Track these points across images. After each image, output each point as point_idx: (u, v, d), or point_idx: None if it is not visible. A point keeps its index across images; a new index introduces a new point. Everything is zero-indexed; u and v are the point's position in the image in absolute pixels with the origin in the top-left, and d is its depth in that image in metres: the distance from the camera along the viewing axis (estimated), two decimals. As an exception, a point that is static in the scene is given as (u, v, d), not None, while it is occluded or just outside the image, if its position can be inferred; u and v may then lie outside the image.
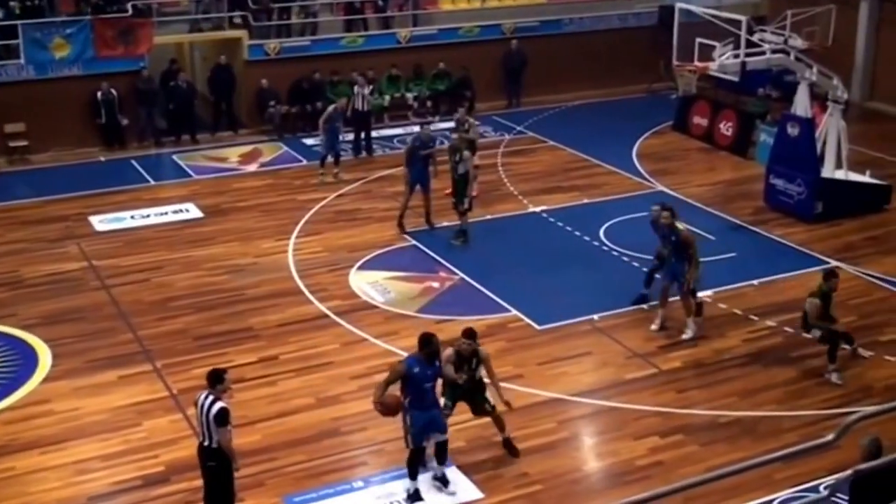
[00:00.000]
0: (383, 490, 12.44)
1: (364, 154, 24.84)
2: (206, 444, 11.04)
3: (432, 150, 20.11)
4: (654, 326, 16.20)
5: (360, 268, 18.51)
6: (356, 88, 24.50)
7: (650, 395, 14.41)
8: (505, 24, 29.53)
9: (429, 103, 28.13)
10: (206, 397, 10.95)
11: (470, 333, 12.83)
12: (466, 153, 19.36)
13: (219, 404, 10.82)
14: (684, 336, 15.94)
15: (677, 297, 16.05)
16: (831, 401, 14.22)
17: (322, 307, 16.97)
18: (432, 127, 25.26)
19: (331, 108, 23.39)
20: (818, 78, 21.32)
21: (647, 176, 23.41)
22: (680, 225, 16.03)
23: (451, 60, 28.27)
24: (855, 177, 21.69)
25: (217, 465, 11.08)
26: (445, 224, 20.33)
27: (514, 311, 16.77)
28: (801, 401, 14.23)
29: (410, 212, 20.03)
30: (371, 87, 24.26)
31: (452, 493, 12.33)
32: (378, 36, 28.36)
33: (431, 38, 28.65)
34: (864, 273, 18.36)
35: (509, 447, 13.10)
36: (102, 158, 24.93)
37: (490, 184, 22.78)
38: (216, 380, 11.07)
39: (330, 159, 23.18)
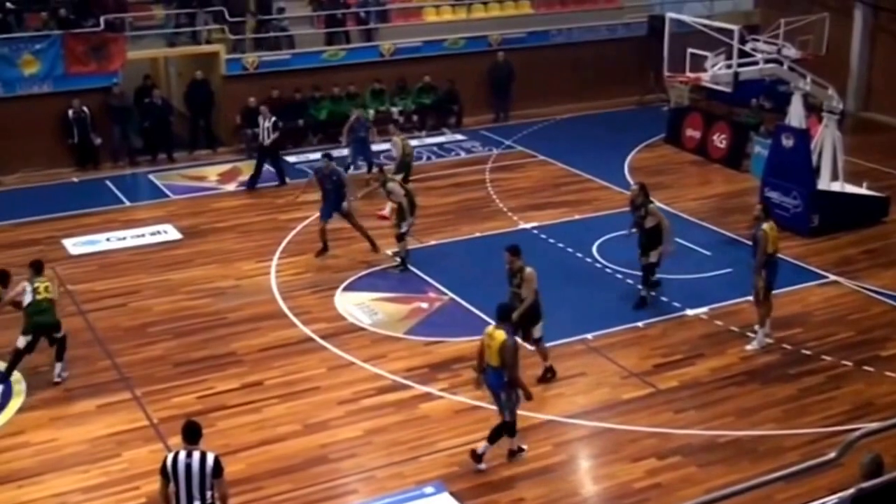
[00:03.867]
0: (374, 518, 12.49)
1: (277, 183, 24.26)
2: None
3: (338, 181, 19.79)
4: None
5: (345, 289, 18.58)
6: (259, 120, 23.89)
7: (647, 416, 14.49)
8: (491, 36, 29.73)
9: (414, 118, 28.27)
10: (190, 455, 10.34)
11: (513, 249, 14.75)
12: (391, 185, 19.20)
13: (211, 455, 10.45)
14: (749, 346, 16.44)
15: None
16: (832, 418, 14.33)
17: (307, 330, 17.02)
18: (415, 143, 25.64)
19: (352, 117, 24.32)
20: (812, 88, 21.54)
21: (639, 190, 23.51)
22: (651, 205, 17.29)
23: (436, 73, 28.45)
24: (851, 189, 21.89)
25: None
26: (433, 242, 20.47)
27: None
28: (801, 419, 14.34)
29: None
30: (274, 118, 23.90)
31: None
32: (360, 49, 28.53)
33: (416, 51, 28.84)
34: (862, 287, 18.53)
35: (547, 373, 15.14)
36: (75, 179, 25.00)
37: (478, 200, 22.91)
38: (196, 434, 10.54)
39: (355, 169, 24.03)
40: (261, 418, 14.52)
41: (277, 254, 20.18)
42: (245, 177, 24.57)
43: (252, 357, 16.22)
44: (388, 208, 21.58)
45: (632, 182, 23.62)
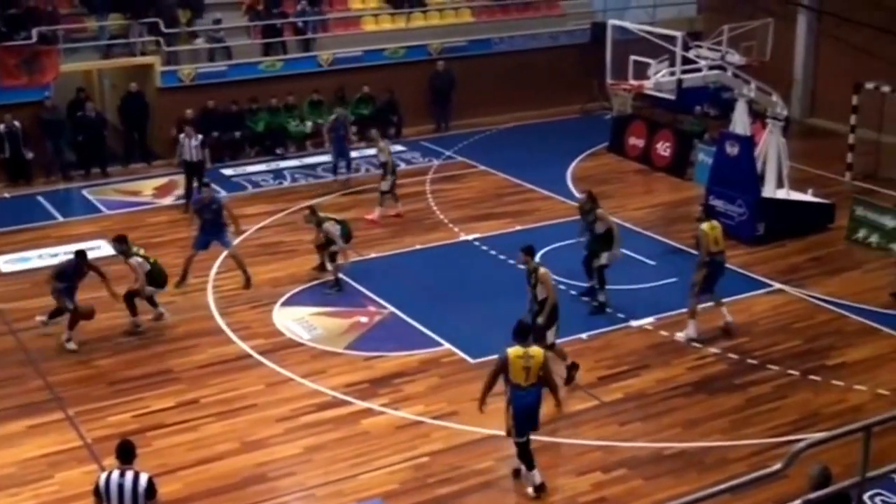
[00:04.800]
0: (313, 539, 12.36)
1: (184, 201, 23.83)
2: None
3: (217, 210, 19.39)
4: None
5: (284, 304, 18.43)
6: (181, 138, 23.48)
7: (592, 429, 14.48)
8: (432, 45, 29.72)
9: (354, 129, 28.11)
10: (123, 475, 10.20)
11: (527, 250, 15.31)
12: (327, 225, 18.99)
13: (144, 476, 10.25)
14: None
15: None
16: (779, 429, 14.40)
17: (245, 346, 16.86)
18: (357, 154, 25.56)
19: (332, 117, 24.82)
20: (757, 94, 21.70)
21: (583, 200, 23.57)
22: (599, 210, 17.86)
23: (375, 83, 28.38)
24: (797, 196, 22.07)
25: None
26: (373, 255, 20.39)
27: (447, 345, 16.80)
28: (747, 429, 14.40)
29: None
30: (200, 137, 23.56)
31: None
32: (298, 59, 28.40)
33: (355, 61, 28.75)
34: (808, 295, 18.67)
35: (572, 371, 15.36)
36: (7, 195, 24.64)
37: (419, 212, 22.85)
38: (130, 454, 10.36)
39: (341, 169, 24.90)
40: (198, 437, 14.36)
41: (214, 269, 19.96)
42: (181, 191, 24.31)
43: (189, 374, 16.04)
44: (377, 212, 22.13)
45: (575, 192, 23.77)
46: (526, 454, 12.92)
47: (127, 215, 23.14)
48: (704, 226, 16.89)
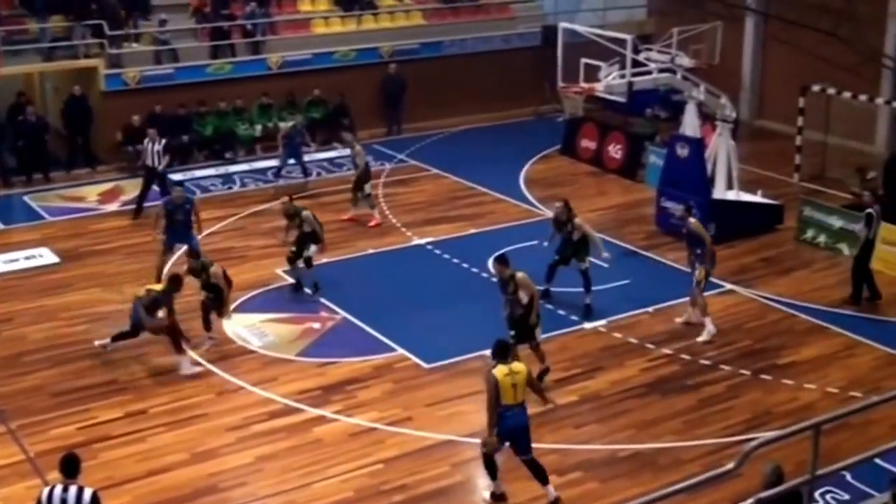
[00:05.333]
0: (266, 548, 12.29)
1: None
2: None
3: (190, 209, 19.37)
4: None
5: (234, 310, 18.28)
6: (145, 142, 23.30)
7: (547, 432, 14.48)
8: (383, 48, 29.69)
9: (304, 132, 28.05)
10: (66, 489, 10.04)
11: (500, 259, 15.23)
12: (306, 213, 18.96)
13: (88, 490, 10.10)
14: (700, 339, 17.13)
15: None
16: (731, 428, 14.53)
17: (194, 355, 16.67)
18: (308, 158, 25.48)
19: (289, 125, 24.81)
20: (706, 97, 21.89)
21: (535, 203, 23.70)
22: (577, 220, 18.17)
23: (326, 87, 28.30)
24: (747, 197, 22.30)
25: None
26: (325, 260, 20.32)
27: (401, 351, 16.78)
28: (700, 429, 14.51)
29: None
30: (163, 141, 23.43)
31: None
32: (247, 62, 28.26)
33: (305, 64, 28.64)
34: (758, 295, 18.87)
35: (542, 375, 15.22)
36: (-54, 202, 24.32)
37: (371, 216, 22.78)
38: (74, 467, 10.20)
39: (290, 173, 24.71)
40: (146, 448, 14.20)
41: (162, 276, 19.75)
42: (127, 196, 24.17)
43: (136, 384, 15.87)
44: (375, 216, 22.28)
45: (528, 194, 23.88)
46: (537, 468, 12.74)
47: (70, 222, 22.89)
48: (693, 220, 17.31)
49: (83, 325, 17.79)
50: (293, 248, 19.01)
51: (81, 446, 13.45)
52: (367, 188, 22.43)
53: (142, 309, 16.14)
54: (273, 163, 25.81)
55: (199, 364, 16.37)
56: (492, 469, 12.74)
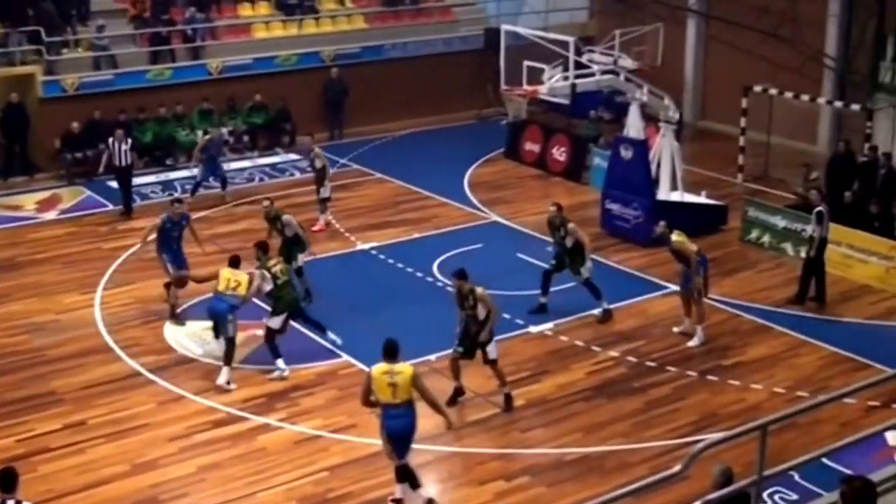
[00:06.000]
0: (209, 560, 12.10)
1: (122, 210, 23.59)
2: None
3: (186, 224, 18.79)
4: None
5: (175, 318, 18.05)
6: (111, 142, 23.25)
7: (493, 437, 14.44)
8: (324, 52, 29.53)
9: (245, 138, 27.84)
10: None
11: (459, 274, 14.75)
12: (286, 217, 18.61)
13: None
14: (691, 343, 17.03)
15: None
16: (678, 430, 14.52)
17: (134, 364, 16.47)
18: (250, 163, 25.27)
19: (205, 137, 24.24)
20: (649, 98, 21.95)
21: (479, 206, 23.65)
22: (570, 224, 17.90)
23: (267, 92, 28.10)
24: (691, 198, 22.37)
25: None
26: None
27: (346, 357, 16.63)
28: (647, 432, 14.49)
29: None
30: (130, 140, 23.42)
31: None
32: (187, 68, 28.00)
33: (246, 69, 28.43)
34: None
35: (507, 401, 14.97)
36: None
37: (314, 222, 22.61)
38: (11, 482, 9.88)
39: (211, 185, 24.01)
40: (86, 460, 13.96)
41: (102, 285, 19.55)
42: (66, 205, 23.89)
43: (75, 395, 15.60)
44: (321, 220, 22.01)
45: (472, 198, 23.84)
46: (408, 474, 12.65)
47: (7, 231, 22.52)
48: (675, 238, 17.08)
49: (21, 336, 17.51)
50: (280, 256, 18.61)
51: (19, 459, 13.21)
52: (325, 192, 22.26)
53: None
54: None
55: (138, 374, 16.11)
56: (412, 479, 12.66)
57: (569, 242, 17.90)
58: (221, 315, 15.71)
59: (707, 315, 17.36)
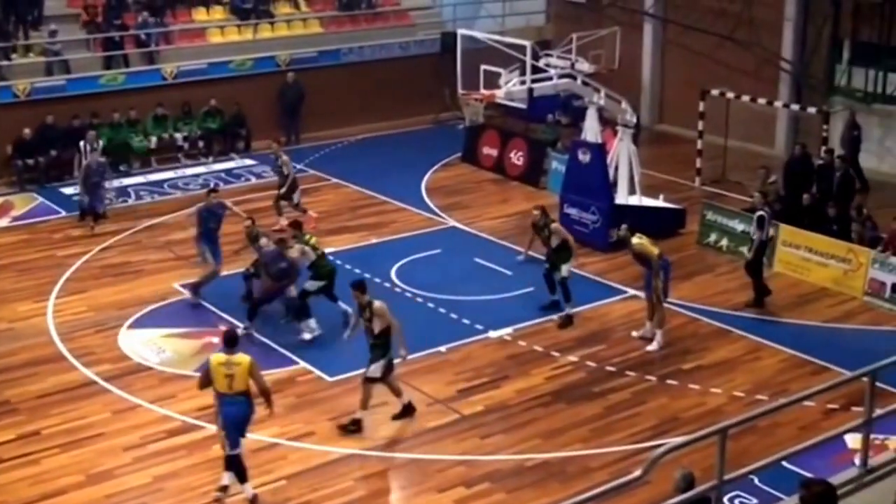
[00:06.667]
0: (166, 571, 11.98)
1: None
2: None
3: (223, 214, 19.06)
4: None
5: (130, 326, 17.92)
6: (82, 144, 23.22)
7: (453, 444, 14.40)
8: (280, 56, 29.40)
9: (201, 144, 27.65)
10: None
11: (357, 285, 14.72)
12: (265, 239, 18.34)
13: None
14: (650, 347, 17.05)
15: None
16: (639, 435, 14.55)
17: (89, 373, 16.31)
18: (205, 169, 25.10)
19: (84, 164, 22.92)
20: (606, 102, 21.99)
21: (437, 211, 23.61)
22: (554, 224, 18.34)
23: (222, 96, 27.92)
24: (649, 202, 22.44)
25: None
26: (224, 273, 19.97)
27: (303, 364, 16.56)
28: (608, 437, 14.51)
29: (185, 262, 19.46)
30: (100, 143, 23.40)
31: None
32: (141, 73, 27.78)
33: (200, 74, 28.25)
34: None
35: (407, 410, 14.83)
36: None
37: (271, 227, 22.45)
38: None
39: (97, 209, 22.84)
40: (40, 470, 13.82)
41: (55, 292, 19.35)
42: (18, 212, 23.65)
43: (28, 405, 15.43)
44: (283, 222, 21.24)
45: (430, 202, 23.80)
46: (237, 465, 12.84)
47: (-41, 239, 22.27)
48: (635, 241, 17.13)
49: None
50: (252, 267, 18.50)
51: (-29, 471, 13.04)
52: (296, 197, 22.21)
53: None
54: (168, 175, 25.36)
55: (93, 383, 15.94)
56: (240, 471, 12.91)
57: (554, 242, 18.16)
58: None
59: (666, 319, 17.40)
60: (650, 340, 17.19)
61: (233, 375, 12.40)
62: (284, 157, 22.44)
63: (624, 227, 17.68)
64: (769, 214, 18.66)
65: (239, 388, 12.47)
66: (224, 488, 12.86)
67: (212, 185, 21.90)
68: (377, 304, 14.54)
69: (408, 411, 14.91)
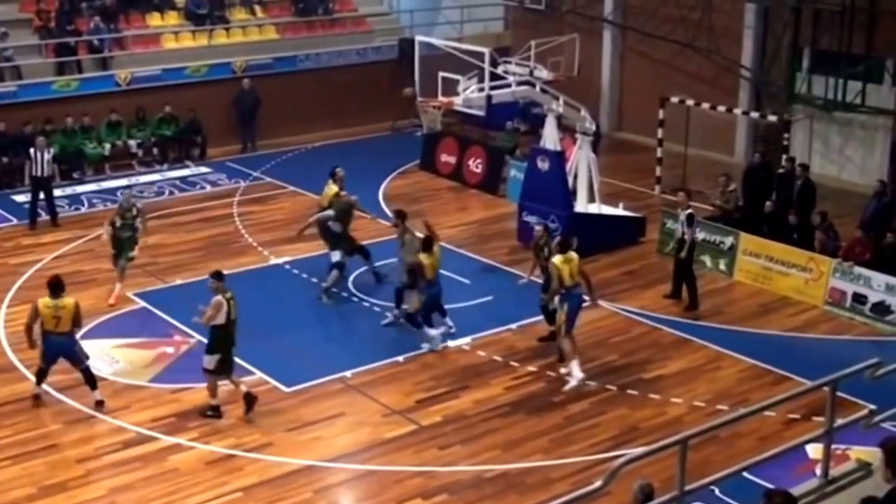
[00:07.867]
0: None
1: (48, 219, 23.33)
2: None
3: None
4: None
5: (83, 337, 17.56)
6: (32, 151, 23.01)
7: (411, 455, 14.37)
8: (235, 62, 29.31)
9: (155, 151, 27.48)
10: None
11: (215, 274, 15.45)
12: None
13: None
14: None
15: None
16: (599, 445, 14.57)
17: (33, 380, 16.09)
18: (157, 177, 24.93)
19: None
20: (565, 109, 22.07)
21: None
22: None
23: (177, 103, 27.80)
24: (609, 210, 22.53)
25: None
26: (179, 282, 19.86)
27: (259, 374, 16.44)
28: (568, 448, 14.52)
29: (140, 270, 19.34)
30: (51, 150, 23.31)
31: None
32: (94, 79, 27.62)
33: (155, 80, 28.11)
34: (622, 309, 19.03)
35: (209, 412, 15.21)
36: None
37: (227, 235, 22.45)
38: None
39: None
40: (-10, 483, 13.66)
41: (7, 301, 19.17)
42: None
43: (-22, 416, 15.26)
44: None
45: (387, 210, 23.74)
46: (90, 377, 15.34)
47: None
48: (557, 259, 16.27)
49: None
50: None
51: (-82, 485, 12.86)
52: None
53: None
54: (122, 182, 25.20)
55: (45, 393, 15.78)
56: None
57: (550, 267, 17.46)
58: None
59: (575, 351, 16.45)
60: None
61: (60, 317, 14.83)
62: None
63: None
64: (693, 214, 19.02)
65: (65, 329, 14.92)
66: (100, 403, 15.21)
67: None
68: (215, 298, 15.05)
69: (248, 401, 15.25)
